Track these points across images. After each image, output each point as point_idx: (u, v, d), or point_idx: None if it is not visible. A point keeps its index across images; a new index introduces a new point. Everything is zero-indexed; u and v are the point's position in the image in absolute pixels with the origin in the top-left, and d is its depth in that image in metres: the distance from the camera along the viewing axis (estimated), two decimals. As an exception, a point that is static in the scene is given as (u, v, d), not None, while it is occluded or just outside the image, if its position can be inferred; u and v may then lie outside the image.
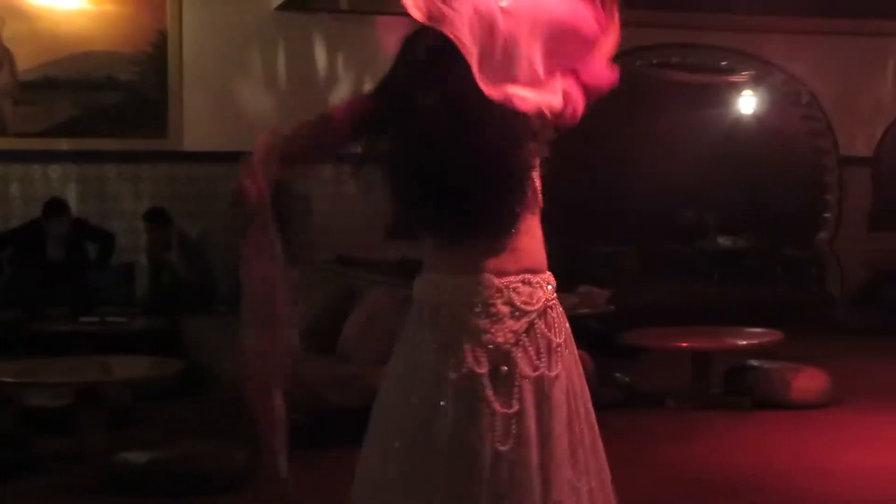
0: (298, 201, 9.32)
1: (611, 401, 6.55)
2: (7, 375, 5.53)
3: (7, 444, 5.23)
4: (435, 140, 2.45)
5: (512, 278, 2.49)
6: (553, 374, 2.48)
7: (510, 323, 2.45)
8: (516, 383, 2.42)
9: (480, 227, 2.49)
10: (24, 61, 8.64)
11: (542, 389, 2.46)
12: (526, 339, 2.46)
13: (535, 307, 2.50)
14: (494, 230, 2.51)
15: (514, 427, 2.40)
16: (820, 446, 5.70)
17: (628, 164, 13.20)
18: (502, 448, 2.38)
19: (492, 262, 2.48)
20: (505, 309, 2.46)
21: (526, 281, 2.52)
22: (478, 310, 2.45)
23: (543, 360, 2.48)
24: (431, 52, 2.55)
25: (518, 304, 2.48)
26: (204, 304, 8.19)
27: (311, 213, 9.40)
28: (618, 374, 6.94)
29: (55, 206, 8.14)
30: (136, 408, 6.15)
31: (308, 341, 6.29)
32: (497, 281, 2.47)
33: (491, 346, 2.42)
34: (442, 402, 2.40)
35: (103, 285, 8.32)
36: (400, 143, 2.54)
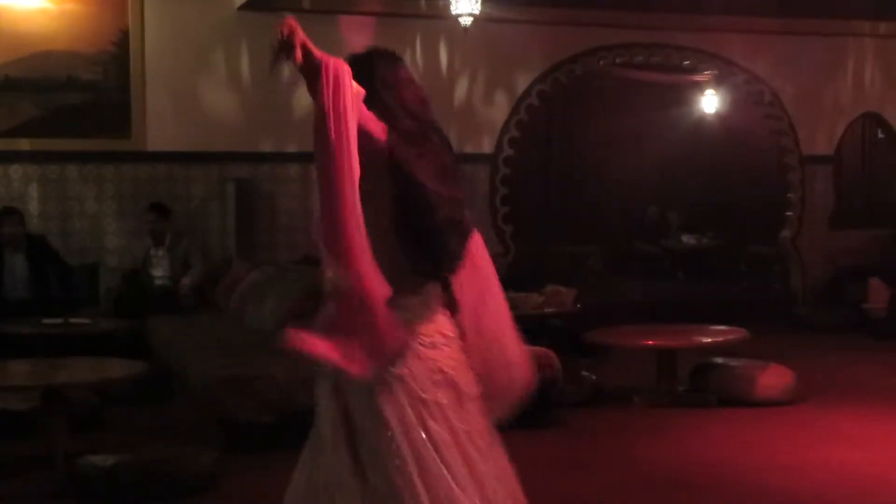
0: (264, 200, 9.29)
1: (577, 399, 6.59)
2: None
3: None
4: None
5: None
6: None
7: None
8: None
9: None
10: (-15, 61, 8.56)
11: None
12: None
13: None
14: None
15: None
16: (785, 443, 5.75)
17: (592, 163, 13.26)
18: None
19: None
20: None
21: None
22: None
23: None
24: None
25: None
26: (172, 306, 8.15)
27: (277, 213, 9.36)
28: (584, 373, 6.97)
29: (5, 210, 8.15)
30: (102, 411, 6.09)
31: (276, 341, 6.28)
32: None
33: None
34: None
35: (67, 287, 8.24)
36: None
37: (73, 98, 8.83)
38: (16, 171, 8.70)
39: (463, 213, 3.07)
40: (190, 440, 5.26)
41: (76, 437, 5.35)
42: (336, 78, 2.84)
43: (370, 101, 2.94)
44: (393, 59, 3.15)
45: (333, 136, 2.72)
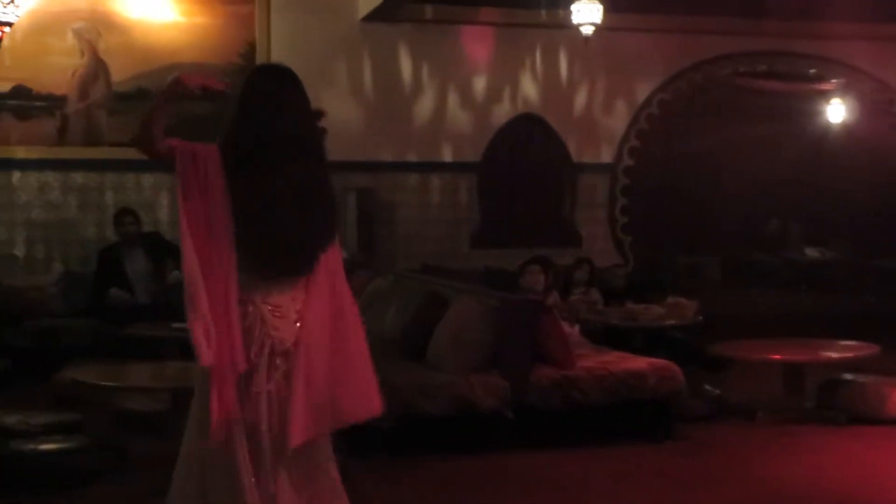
0: (384, 209, 9.39)
1: (700, 413, 6.48)
2: (104, 379, 5.62)
3: (105, 448, 5.33)
4: None
5: None
6: None
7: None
8: None
9: None
10: (119, 73, 8.85)
11: None
12: None
13: None
14: None
15: None
16: (918, 463, 5.57)
17: (713, 173, 13.05)
18: None
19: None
20: None
21: None
22: None
23: None
24: None
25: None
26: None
27: (396, 222, 9.46)
28: (707, 387, 6.85)
29: (123, 211, 8.41)
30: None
31: (397, 349, 6.35)
32: None
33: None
34: None
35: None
36: None
37: (200, 108, 9.04)
38: (147, 179, 8.97)
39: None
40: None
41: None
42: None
43: None
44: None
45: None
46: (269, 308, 3.43)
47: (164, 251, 8.39)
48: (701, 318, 7.89)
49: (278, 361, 3.43)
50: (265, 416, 3.42)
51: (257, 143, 3.45)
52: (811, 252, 12.86)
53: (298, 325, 3.45)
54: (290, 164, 3.44)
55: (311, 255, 3.48)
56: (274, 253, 3.43)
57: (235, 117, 3.55)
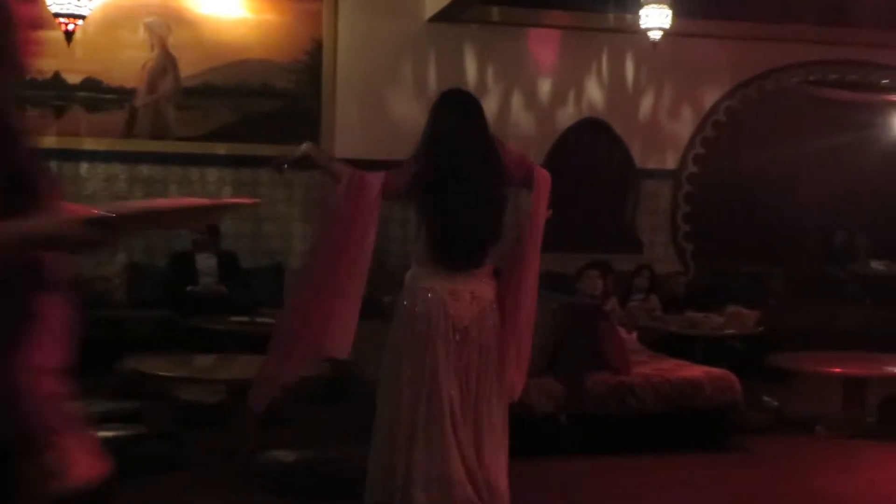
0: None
1: (758, 425, 6.40)
2: (162, 370, 5.70)
3: (161, 438, 5.40)
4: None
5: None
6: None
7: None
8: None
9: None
10: (187, 68, 8.96)
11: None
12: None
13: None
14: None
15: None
16: (982, 483, 5.44)
17: (779, 182, 12.86)
18: None
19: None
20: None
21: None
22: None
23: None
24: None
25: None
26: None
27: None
28: (766, 398, 6.76)
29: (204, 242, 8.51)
30: (286, 408, 6.26)
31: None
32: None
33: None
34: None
35: (255, 287, 8.55)
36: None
37: (266, 105, 9.15)
38: (212, 173, 9.07)
39: None
40: (367, 441, 5.35)
41: (260, 432, 5.52)
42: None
43: None
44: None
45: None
46: (448, 293, 4.14)
47: (234, 274, 8.49)
48: (761, 328, 7.80)
49: (457, 337, 4.11)
50: (448, 385, 4.08)
51: (447, 160, 4.16)
52: (877, 265, 12.61)
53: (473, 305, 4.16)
54: (472, 177, 4.17)
55: (482, 251, 4.19)
56: (456, 250, 4.17)
57: (428, 137, 4.28)
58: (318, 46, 9.16)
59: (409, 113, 9.32)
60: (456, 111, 4.30)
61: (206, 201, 2.11)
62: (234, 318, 7.58)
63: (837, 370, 6.71)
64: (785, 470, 5.66)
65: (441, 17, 9.08)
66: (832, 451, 6.09)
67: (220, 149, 9.04)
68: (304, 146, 4.46)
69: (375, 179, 4.18)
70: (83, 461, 2.10)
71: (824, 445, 6.25)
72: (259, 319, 7.56)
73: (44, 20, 2.09)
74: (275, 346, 4.26)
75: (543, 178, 4.40)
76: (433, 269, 4.19)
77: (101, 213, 1.92)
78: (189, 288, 8.30)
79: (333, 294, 4.15)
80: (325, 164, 4.45)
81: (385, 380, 4.28)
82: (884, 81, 10.47)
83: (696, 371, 6.14)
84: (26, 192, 1.95)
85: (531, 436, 5.63)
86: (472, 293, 4.16)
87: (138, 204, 2.16)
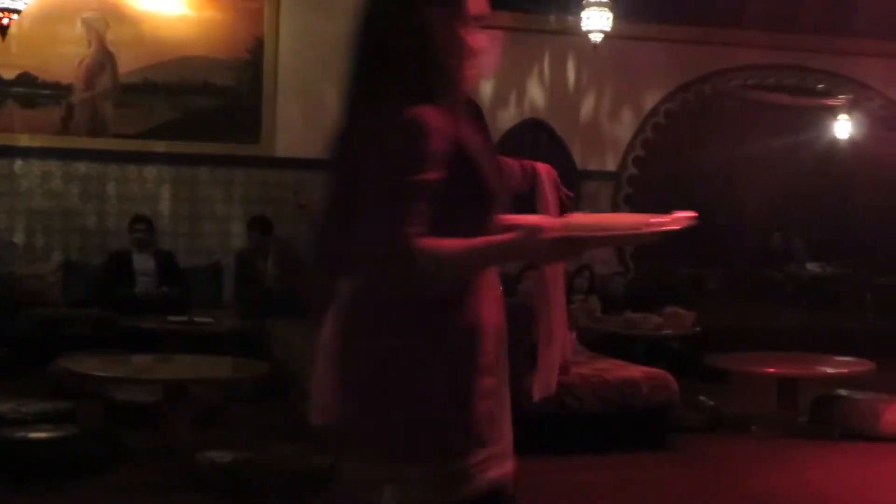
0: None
1: (695, 424, 6.47)
2: (97, 370, 5.63)
3: (97, 438, 5.33)
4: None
5: None
6: None
7: None
8: None
9: None
10: (126, 64, 8.86)
11: None
12: None
13: None
14: None
15: None
16: (911, 481, 5.55)
17: (718, 185, 13.03)
18: None
19: None
20: None
21: None
22: None
23: None
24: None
25: None
26: (290, 310, 8.27)
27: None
28: (702, 398, 6.84)
29: (137, 218, 8.52)
30: (223, 408, 6.22)
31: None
32: None
33: None
34: None
35: (192, 287, 8.48)
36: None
37: (207, 103, 9.08)
38: (150, 171, 8.98)
39: None
40: (306, 441, 5.33)
41: (197, 432, 5.47)
42: None
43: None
44: None
45: None
46: None
47: (171, 274, 8.41)
48: (699, 329, 7.89)
49: None
50: None
51: None
52: (813, 267, 12.83)
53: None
54: None
55: None
56: None
57: None
58: (259, 44, 9.11)
59: (350, 112, 9.29)
60: None
61: (657, 221, 2.23)
62: (171, 318, 7.52)
63: (772, 370, 6.80)
64: (720, 469, 5.73)
65: (383, 16, 9.06)
66: (766, 449, 6.17)
67: (160, 146, 8.95)
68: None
69: None
70: None
71: (759, 444, 6.34)
72: (197, 319, 7.51)
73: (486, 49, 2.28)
74: None
75: (545, 170, 4.34)
76: None
77: (569, 232, 2.07)
78: (137, 290, 8.23)
79: None
80: None
81: None
82: (819, 86, 10.64)
83: (633, 371, 6.19)
84: (491, 206, 2.13)
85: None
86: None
87: (595, 220, 2.29)
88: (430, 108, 2.07)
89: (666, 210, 2.27)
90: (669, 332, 7.81)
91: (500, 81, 9.67)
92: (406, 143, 2.04)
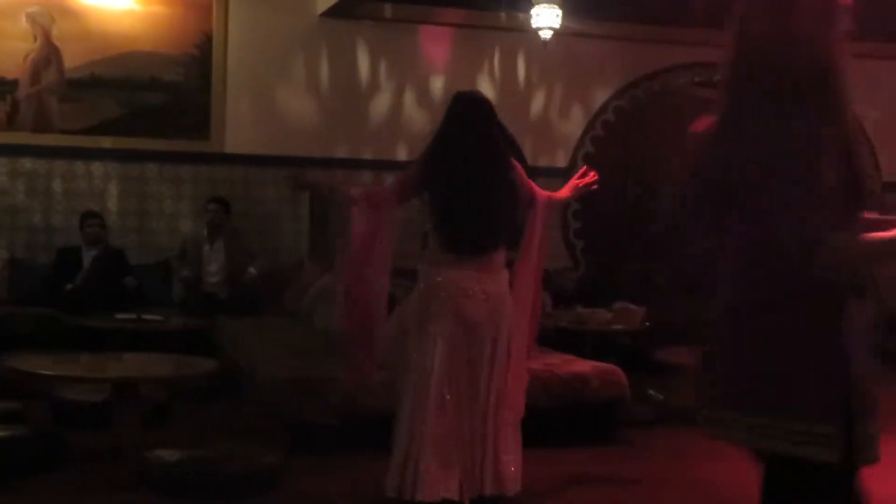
0: (338, 206, 9.35)
1: (643, 418, 6.53)
2: (44, 369, 5.55)
3: (44, 438, 5.27)
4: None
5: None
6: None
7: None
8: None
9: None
10: (72, 59, 8.75)
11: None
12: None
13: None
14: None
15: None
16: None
17: (668, 182, 13.09)
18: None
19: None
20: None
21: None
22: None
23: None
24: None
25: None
26: (238, 307, 8.24)
27: (349, 219, 9.42)
28: (651, 391, 6.90)
29: (88, 214, 8.46)
30: (171, 406, 6.18)
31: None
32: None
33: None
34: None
35: (141, 284, 8.41)
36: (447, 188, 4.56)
37: (155, 98, 9.00)
38: (98, 168, 8.88)
39: None
40: (255, 439, 5.31)
41: (145, 431, 5.43)
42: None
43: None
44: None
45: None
46: (461, 293, 4.51)
47: (120, 269, 8.34)
48: (648, 324, 7.95)
49: (468, 334, 4.54)
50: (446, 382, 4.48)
51: (452, 155, 4.54)
52: (760, 262, 12.98)
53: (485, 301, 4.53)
54: (481, 163, 4.55)
55: (491, 237, 4.54)
56: (464, 233, 4.53)
57: (438, 134, 4.66)
58: (207, 39, 9.04)
59: (300, 108, 9.27)
60: (469, 107, 4.69)
61: None
62: (120, 316, 7.45)
63: (720, 364, 6.86)
64: (669, 462, 5.79)
65: (333, 12, 9.04)
66: (714, 442, 6.22)
67: (107, 142, 8.85)
68: (310, 175, 4.88)
69: (387, 194, 4.63)
70: None
71: (706, 437, 6.39)
72: (146, 317, 7.45)
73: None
74: (348, 353, 4.71)
75: (543, 197, 4.79)
76: (444, 265, 4.54)
77: None
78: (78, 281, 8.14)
79: (366, 310, 4.57)
80: (325, 193, 5.01)
81: (398, 370, 4.65)
82: (766, 83, 10.75)
83: (584, 366, 6.23)
84: (861, 199, 2.52)
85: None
86: (485, 291, 4.52)
87: None
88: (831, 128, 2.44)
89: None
90: (620, 327, 7.85)
91: (451, 78, 9.66)
92: (816, 154, 2.41)
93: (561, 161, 10.01)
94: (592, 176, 4.99)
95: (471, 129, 4.61)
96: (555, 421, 5.94)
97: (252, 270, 8.55)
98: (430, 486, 4.36)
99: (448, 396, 4.43)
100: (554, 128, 10.01)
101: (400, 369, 4.62)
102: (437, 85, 9.66)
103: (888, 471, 5.54)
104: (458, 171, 4.51)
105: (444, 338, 4.46)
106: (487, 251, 4.56)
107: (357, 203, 4.62)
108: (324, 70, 9.36)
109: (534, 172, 9.95)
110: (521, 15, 8.95)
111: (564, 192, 5.02)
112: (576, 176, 5.06)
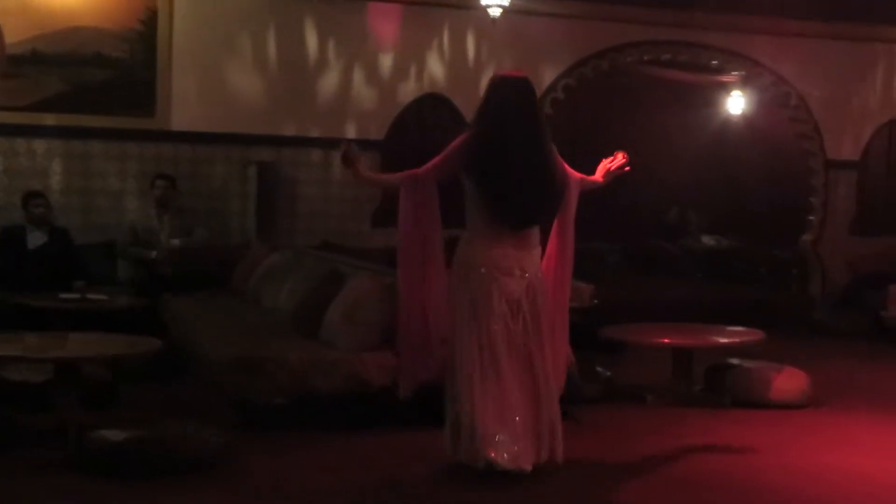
0: (285, 184, 9.30)
1: (591, 395, 6.56)
2: (-13, 349, 5.48)
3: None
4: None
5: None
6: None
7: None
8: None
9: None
10: (13, 34, 8.59)
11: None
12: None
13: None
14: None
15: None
16: (798, 446, 5.71)
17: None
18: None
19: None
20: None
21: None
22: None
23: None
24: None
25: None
26: (182, 285, 8.17)
27: (297, 198, 9.37)
28: (599, 369, 6.95)
29: (32, 194, 8.31)
30: (115, 387, 6.11)
31: (291, 324, 6.30)
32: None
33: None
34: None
35: (84, 263, 8.30)
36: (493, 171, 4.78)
37: (99, 75, 8.87)
38: (40, 145, 8.75)
39: None
40: (201, 419, 5.27)
41: (89, 411, 5.37)
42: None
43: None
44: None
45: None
46: (499, 270, 4.80)
47: (65, 252, 8.22)
48: (596, 302, 7.99)
49: (510, 309, 4.81)
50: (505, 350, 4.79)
51: (503, 138, 4.74)
52: (707, 240, 13.10)
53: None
54: (524, 140, 4.80)
55: (535, 210, 4.86)
56: (509, 207, 4.79)
57: (483, 116, 4.85)
58: (153, 15, 8.92)
59: (247, 86, 9.18)
60: (512, 88, 4.88)
61: None
62: (64, 296, 7.35)
63: (666, 341, 6.94)
64: (614, 438, 5.83)
65: (281, -12, 8.96)
66: (661, 419, 6.30)
67: (50, 119, 8.71)
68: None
69: (428, 173, 4.81)
70: None
71: (654, 414, 6.46)
72: (90, 297, 7.36)
73: None
74: (406, 344, 4.92)
75: (576, 177, 5.16)
76: (484, 240, 4.82)
77: None
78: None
79: (428, 289, 4.82)
80: (366, 178, 5.10)
81: (456, 334, 4.83)
82: (713, 62, 10.83)
83: (531, 343, 6.23)
84: None
85: (369, 409, 5.66)
86: (522, 268, 4.83)
87: None
88: None
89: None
90: (569, 305, 7.88)
91: (400, 55, 9.63)
92: None
93: (510, 139, 10.00)
94: (623, 158, 5.10)
95: (521, 111, 4.81)
96: (503, 398, 5.94)
97: (175, 242, 8.44)
98: (496, 451, 4.67)
99: (504, 366, 4.71)
100: (503, 106, 9.98)
101: (455, 345, 4.81)
102: (386, 62, 9.61)
103: (885, 450, 5.65)
104: (512, 154, 4.73)
105: (494, 312, 4.73)
106: (531, 227, 4.87)
107: (403, 184, 4.86)
108: (271, 46, 9.27)
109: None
110: (469, -8, 8.93)
111: (597, 176, 5.29)
112: (607, 160, 5.21)
